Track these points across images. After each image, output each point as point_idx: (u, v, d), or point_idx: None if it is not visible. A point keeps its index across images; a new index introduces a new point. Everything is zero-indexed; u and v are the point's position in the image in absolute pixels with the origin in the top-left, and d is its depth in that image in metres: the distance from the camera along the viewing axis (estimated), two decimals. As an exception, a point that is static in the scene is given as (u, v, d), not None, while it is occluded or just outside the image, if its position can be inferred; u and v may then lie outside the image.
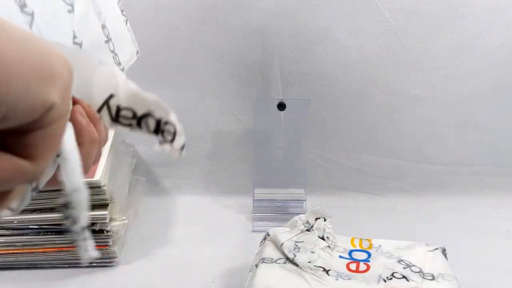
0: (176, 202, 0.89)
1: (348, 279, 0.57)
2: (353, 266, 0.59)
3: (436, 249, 0.62)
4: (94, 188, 0.68)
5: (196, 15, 0.79)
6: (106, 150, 0.77)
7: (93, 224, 0.67)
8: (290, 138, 0.79)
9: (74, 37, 0.35)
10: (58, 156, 0.27)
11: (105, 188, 0.69)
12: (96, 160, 0.34)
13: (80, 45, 0.35)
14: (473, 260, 0.73)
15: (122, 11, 0.45)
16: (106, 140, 0.35)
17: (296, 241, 0.61)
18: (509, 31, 0.80)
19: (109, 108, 0.31)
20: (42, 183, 0.29)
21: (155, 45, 0.81)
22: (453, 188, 0.90)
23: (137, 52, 0.48)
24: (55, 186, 0.30)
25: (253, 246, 0.66)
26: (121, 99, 0.30)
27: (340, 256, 0.61)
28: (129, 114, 0.30)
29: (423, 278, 0.57)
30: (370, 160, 0.89)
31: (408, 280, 0.56)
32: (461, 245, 0.75)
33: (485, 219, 0.83)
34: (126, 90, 0.30)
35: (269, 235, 0.64)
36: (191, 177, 0.90)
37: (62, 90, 0.24)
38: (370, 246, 0.63)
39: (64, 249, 0.69)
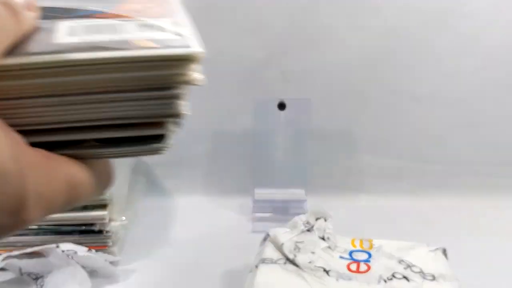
0: (176, 202, 0.88)
1: (348, 279, 0.57)
2: (353, 267, 0.59)
3: (437, 249, 0.62)
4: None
5: (195, 14, 0.79)
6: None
7: (92, 224, 0.67)
8: (290, 138, 0.79)
9: None
10: None
11: (104, 188, 0.68)
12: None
13: None
14: (474, 261, 0.72)
15: None
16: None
17: (296, 242, 0.61)
18: (511, 29, 0.80)
19: None
20: None
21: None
22: (453, 188, 0.90)
23: None
24: None
25: (253, 247, 0.66)
26: None
27: (341, 257, 0.61)
28: None
29: (424, 278, 0.57)
30: (370, 160, 0.89)
31: (408, 281, 0.56)
32: (462, 246, 0.75)
33: (486, 219, 0.83)
34: None
35: (269, 235, 0.64)
36: (191, 177, 0.90)
37: None
38: (371, 247, 0.62)
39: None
